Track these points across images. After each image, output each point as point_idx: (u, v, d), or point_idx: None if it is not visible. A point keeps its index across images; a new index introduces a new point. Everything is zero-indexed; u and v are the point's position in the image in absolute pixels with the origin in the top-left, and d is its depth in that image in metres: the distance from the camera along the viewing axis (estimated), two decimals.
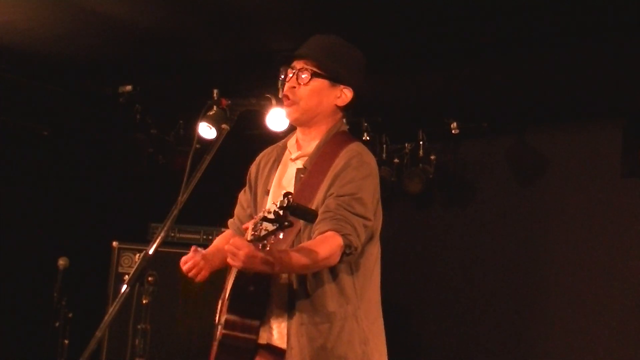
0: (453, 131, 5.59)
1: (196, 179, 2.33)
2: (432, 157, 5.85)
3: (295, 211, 2.19)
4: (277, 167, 2.77)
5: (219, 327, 2.65)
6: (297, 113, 2.68)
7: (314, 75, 2.66)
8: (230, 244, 2.32)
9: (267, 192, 2.75)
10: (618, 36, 4.16)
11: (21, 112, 5.68)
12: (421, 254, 6.18)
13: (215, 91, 4.99)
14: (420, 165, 5.81)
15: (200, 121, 2.49)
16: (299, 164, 2.71)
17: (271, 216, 2.18)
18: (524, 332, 5.64)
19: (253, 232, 2.27)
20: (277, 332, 2.58)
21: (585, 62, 4.56)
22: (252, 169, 2.88)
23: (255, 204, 2.81)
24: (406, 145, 5.92)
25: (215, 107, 2.50)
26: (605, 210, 5.38)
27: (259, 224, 2.25)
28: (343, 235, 2.47)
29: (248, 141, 5.54)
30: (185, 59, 5.02)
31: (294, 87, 2.67)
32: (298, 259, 2.40)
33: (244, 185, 2.93)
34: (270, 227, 2.20)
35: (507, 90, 5.20)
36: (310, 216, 2.28)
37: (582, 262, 5.42)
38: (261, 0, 4.07)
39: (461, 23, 4.16)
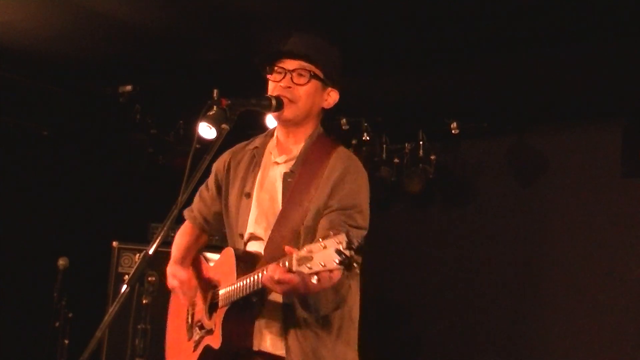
0: (453, 131, 5.59)
1: (196, 179, 2.33)
2: (432, 157, 5.85)
3: (359, 252, 2.16)
4: (258, 170, 2.73)
5: (196, 329, 2.68)
6: (294, 113, 2.63)
7: (312, 76, 2.62)
8: (277, 278, 2.28)
9: (248, 195, 2.70)
10: (618, 36, 4.16)
11: (21, 112, 5.68)
12: (421, 254, 6.17)
13: (215, 91, 4.98)
14: (420, 165, 5.81)
15: (200, 121, 2.48)
16: (284, 168, 2.67)
17: (340, 257, 2.13)
18: (524, 332, 5.64)
19: (300, 262, 2.20)
20: (270, 339, 2.57)
21: (585, 62, 4.57)
22: (220, 166, 2.83)
23: (226, 204, 2.78)
24: (406, 145, 5.92)
25: (215, 107, 2.50)
26: (605, 210, 5.38)
27: (312, 257, 2.18)
28: None
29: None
30: (185, 59, 5.02)
31: (290, 87, 2.62)
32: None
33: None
34: (333, 265, 2.15)
35: (507, 90, 5.20)
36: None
37: (582, 261, 5.42)
38: (261, 0, 4.07)
39: (461, 23, 4.16)
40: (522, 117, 5.66)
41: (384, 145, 5.88)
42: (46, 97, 5.59)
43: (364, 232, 2.56)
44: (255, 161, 2.75)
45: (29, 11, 4.30)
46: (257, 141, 2.80)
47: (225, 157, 2.84)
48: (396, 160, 5.93)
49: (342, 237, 2.13)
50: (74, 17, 4.35)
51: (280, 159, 2.70)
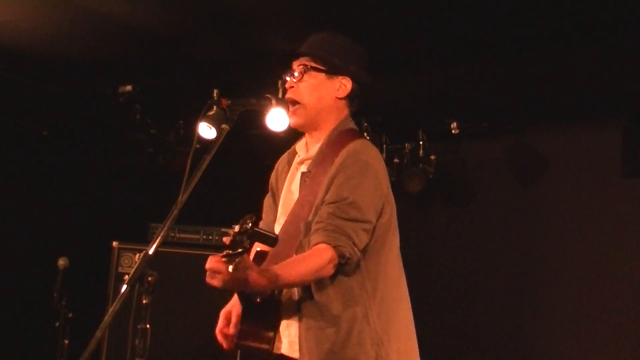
0: (453, 131, 5.60)
1: (196, 179, 2.33)
2: (432, 157, 5.85)
3: (253, 237, 2.13)
4: (288, 172, 2.76)
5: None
6: (303, 116, 2.64)
7: (307, 69, 2.62)
8: (208, 267, 2.26)
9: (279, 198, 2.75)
10: (618, 36, 4.15)
11: (21, 112, 5.68)
12: (421, 254, 6.17)
13: (215, 91, 4.99)
14: (420, 165, 5.82)
15: (200, 121, 2.48)
16: (304, 167, 2.68)
17: (231, 239, 2.13)
18: (524, 332, 5.64)
19: (227, 250, 2.19)
20: (287, 342, 2.56)
21: (585, 62, 4.56)
22: (272, 175, 2.87)
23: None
24: (406, 145, 5.93)
25: (215, 107, 2.50)
26: (605, 210, 5.38)
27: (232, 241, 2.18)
28: (335, 247, 2.43)
29: (248, 141, 5.55)
30: (185, 59, 5.02)
31: (292, 87, 2.65)
32: (283, 276, 2.37)
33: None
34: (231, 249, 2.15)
35: (507, 90, 5.20)
36: (270, 240, 2.21)
37: (582, 261, 5.43)
38: (261, 0, 4.07)
39: (461, 23, 4.16)
40: (522, 117, 5.66)
41: (384, 145, 5.88)
42: (46, 97, 5.59)
43: (363, 225, 2.51)
44: (288, 164, 2.78)
45: (29, 11, 4.30)
46: (295, 144, 2.82)
47: (276, 165, 2.87)
48: (396, 160, 5.93)
49: (242, 220, 2.11)
50: (74, 17, 4.34)
51: (301, 159, 2.72)
